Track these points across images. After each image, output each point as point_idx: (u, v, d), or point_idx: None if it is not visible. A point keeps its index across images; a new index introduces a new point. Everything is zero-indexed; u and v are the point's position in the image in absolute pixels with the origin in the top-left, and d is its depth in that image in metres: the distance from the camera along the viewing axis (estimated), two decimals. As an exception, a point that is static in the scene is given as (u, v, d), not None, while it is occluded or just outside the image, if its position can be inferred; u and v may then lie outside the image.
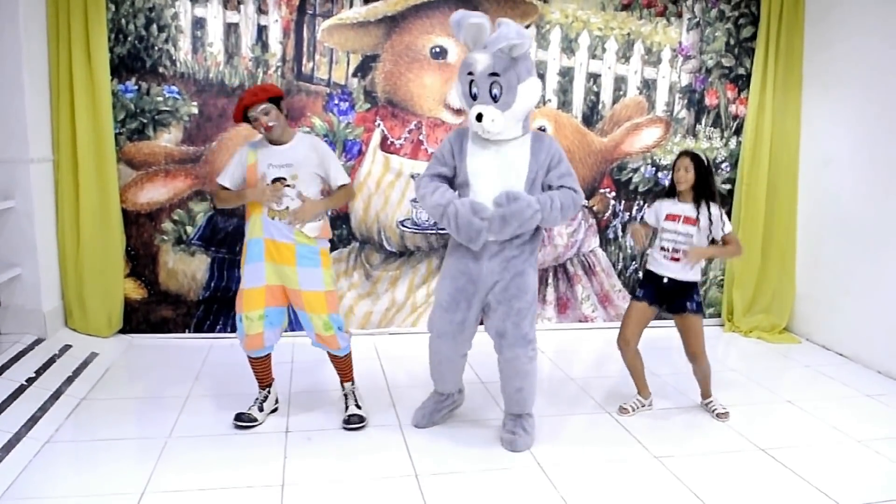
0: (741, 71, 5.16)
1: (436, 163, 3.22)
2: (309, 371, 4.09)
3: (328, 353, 3.42)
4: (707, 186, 3.48)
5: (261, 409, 3.40)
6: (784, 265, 5.22)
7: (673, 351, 4.05)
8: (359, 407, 3.45)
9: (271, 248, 3.23)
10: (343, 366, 3.48)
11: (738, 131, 5.22)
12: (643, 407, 3.72)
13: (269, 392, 3.49)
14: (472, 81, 3.00)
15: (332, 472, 2.95)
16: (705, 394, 3.77)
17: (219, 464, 2.98)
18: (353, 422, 3.35)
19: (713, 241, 3.50)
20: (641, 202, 5.14)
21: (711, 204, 3.47)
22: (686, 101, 5.12)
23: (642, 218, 3.65)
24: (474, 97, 3.01)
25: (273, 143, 3.25)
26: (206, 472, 2.90)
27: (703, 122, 5.16)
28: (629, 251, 5.19)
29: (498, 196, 2.98)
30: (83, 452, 3.06)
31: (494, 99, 2.96)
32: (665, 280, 3.53)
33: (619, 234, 5.16)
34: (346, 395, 3.51)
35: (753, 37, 5.10)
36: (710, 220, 3.45)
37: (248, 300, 3.25)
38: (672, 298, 3.56)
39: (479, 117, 2.96)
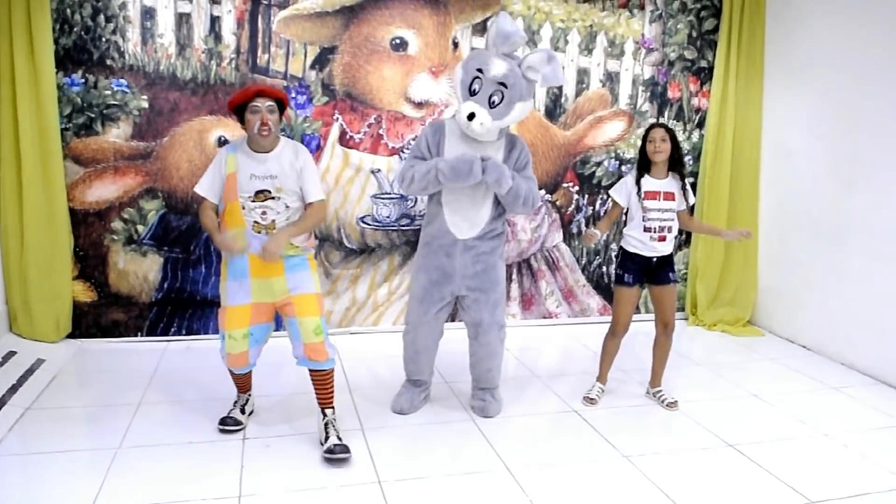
0: (703, 64, 5.15)
1: (414, 155, 3.28)
2: (267, 374, 3.92)
3: (311, 370, 3.11)
4: (680, 157, 3.51)
5: (242, 412, 3.28)
6: (747, 258, 5.23)
7: (637, 346, 4.01)
8: (340, 438, 3.05)
9: (257, 264, 2.97)
10: (327, 384, 3.13)
11: (700, 124, 5.21)
12: (603, 394, 3.76)
13: (249, 396, 3.37)
14: (476, 78, 3.07)
15: (292, 481, 2.83)
16: (656, 380, 3.77)
17: (172, 475, 2.83)
18: (338, 452, 2.95)
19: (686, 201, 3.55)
20: (605, 196, 5.09)
21: (685, 175, 3.54)
22: (649, 93, 5.09)
23: (606, 209, 3.59)
24: (472, 93, 3.08)
25: (256, 149, 2.98)
26: (158, 485, 2.75)
27: (666, 114, 5.13)
28: (593, 246, 5.14)
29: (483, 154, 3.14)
30: (28, 466, 2.88)
31: (491, 105, 3.05)
32: (654, 260, 3.53)
33: (583, 228, 5.11)
34: (326, 424, 3.09)
35: (716, 29, 5.09)
36: (683, 191, 3.51)
37: (231, 318, 3.03)
38: (656, 273, 3.57)
39: (471, 116, 3.04)
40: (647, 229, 3.48)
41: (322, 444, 3.04)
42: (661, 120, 5.11)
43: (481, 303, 3.32)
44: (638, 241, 3.52)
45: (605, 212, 3.54)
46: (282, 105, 3.01)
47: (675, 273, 3.66)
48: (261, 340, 3.15)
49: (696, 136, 5.21)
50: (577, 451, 3.18)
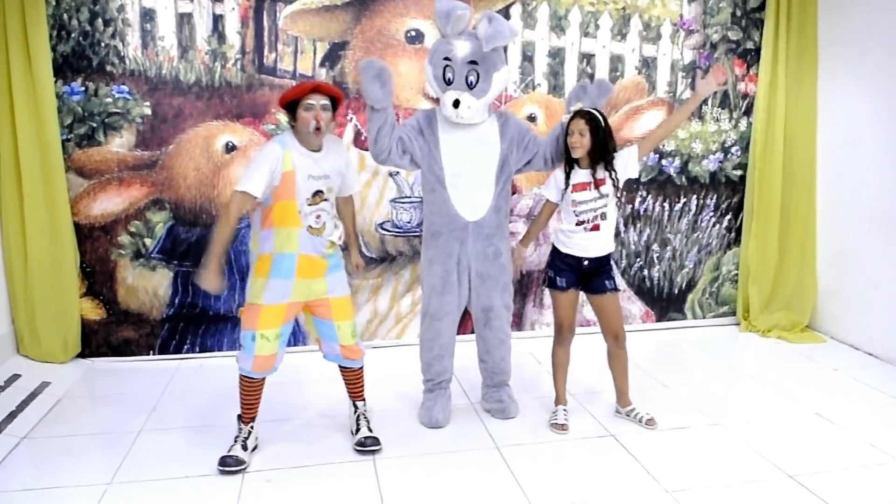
0: (749, 45, 4.71)
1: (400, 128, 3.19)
2: (270, 397, 3.56)
3: (343, 367, 3.21)
4: (605, 150, 3.06)
5: (245, 448, 2.98)
6: (804, 257, 4.78)
7: (674, 357, 3.62)
8: (371, 430, 3.15)
9: (304, 264, 2.94)
10: (359, 380, 3.25)
11: (748, 111, 4.78)
12: (568, 415, 3.38)
13: (252, 428, 3.06)
14: (447, 66, 3.07)
15: (291, 524, 2.56)
16: (624, 398, 3.41)
17: (160, 517, 2.59)
18: (369, 444, 3.06)
19: (617, 186, 3.11)
20: (645, 193, 4.71)
21: (615, 158, 3.10)
22: (690, 80, 4.67)
23: (540, 209, 3.29)
24: (448, 82, 3.09)
25: (308, 148, 2.90)
26: (143, 529, 2.50)
27: (710, 102, 4.71)
28: (633, 248, 4.76)
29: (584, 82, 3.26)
30: (9, 506, 2.67)
31: (470, 86, 3.06)
32: (585, 263, 3.17)
33: (622, 229, 4.72)
34: (359, 417, 3.20)
35: (762, 6, 4.65)
36: (614, 170, 3.09)
37: (266, 317, 2.91)
38: (590, 279, 3.21)
39: (457, 103, 3.04)
40: (579, 223, 3.14)
41: (353, 434, 3.14)
42: (705, 108, 4.69)
43: (491, 287, 3.27)
44: (568, 240, 3.19)
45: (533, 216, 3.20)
46: (335, 103, 2.94)
47: (614, 281, 3.23)
48: (286, 342, 3.05)
49: (743, 124, 4.78)
50: (614, 486, 2.82)
